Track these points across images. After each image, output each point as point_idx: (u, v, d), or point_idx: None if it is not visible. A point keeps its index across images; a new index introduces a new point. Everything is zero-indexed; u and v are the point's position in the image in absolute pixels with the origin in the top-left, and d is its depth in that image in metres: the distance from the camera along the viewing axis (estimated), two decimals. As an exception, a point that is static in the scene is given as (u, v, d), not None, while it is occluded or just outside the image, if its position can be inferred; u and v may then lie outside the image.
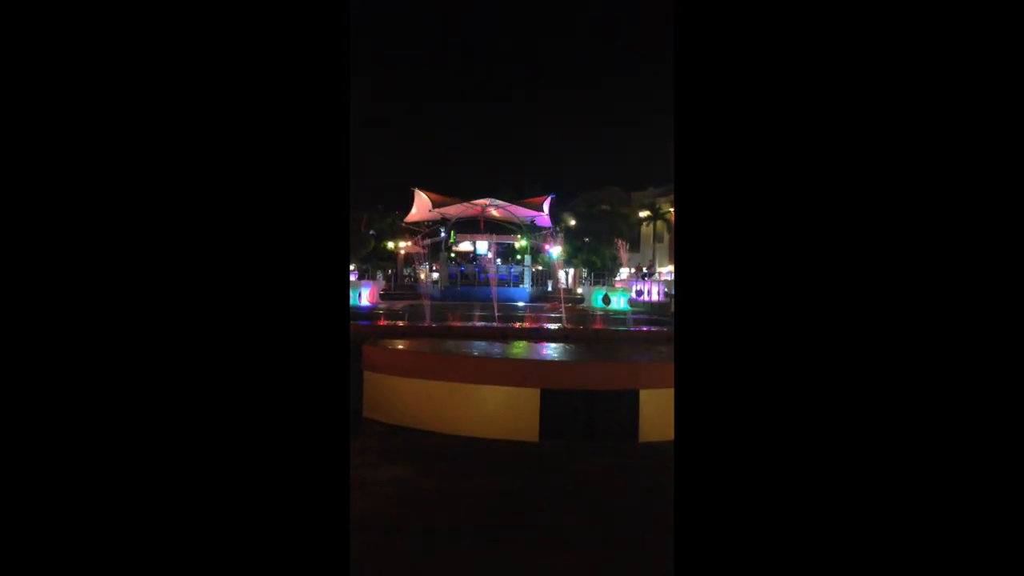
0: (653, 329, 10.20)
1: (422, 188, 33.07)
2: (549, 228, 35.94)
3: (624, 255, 34.04)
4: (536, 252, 34.33)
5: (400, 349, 6.74)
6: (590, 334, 9.16)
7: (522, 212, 34.07)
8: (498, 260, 32.99)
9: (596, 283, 28.63)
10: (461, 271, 29.13)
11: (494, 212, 34.03)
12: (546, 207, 35.45)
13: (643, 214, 44.03)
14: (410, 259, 33.11)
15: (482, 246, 34.53)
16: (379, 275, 29.51)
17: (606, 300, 20.28)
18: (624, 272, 34.40)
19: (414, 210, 35.06)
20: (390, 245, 36.49)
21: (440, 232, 34.77)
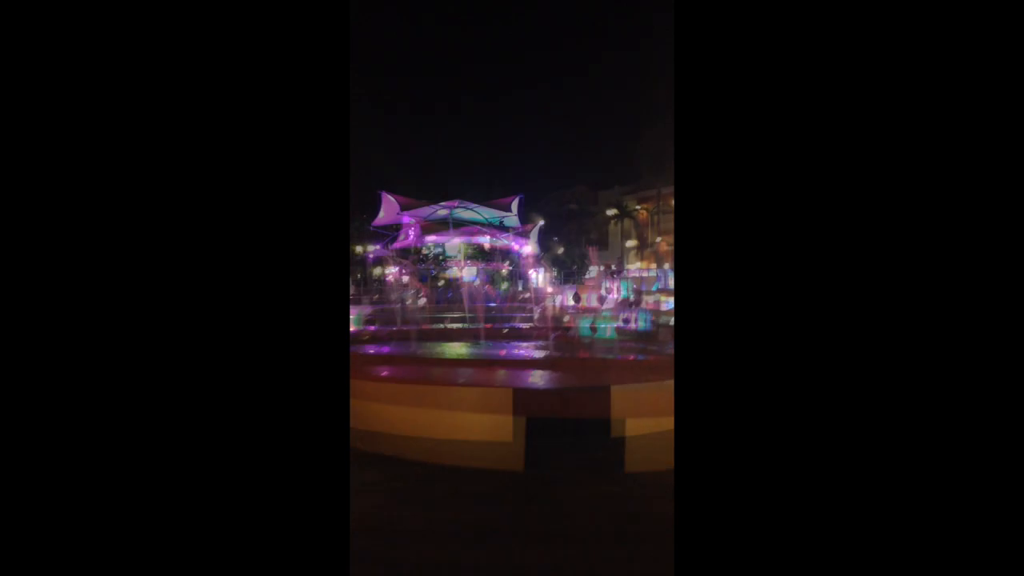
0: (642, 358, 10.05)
1: (389, 191, 32.77)
2: (518, 228, 35.99)
3: (594, 257, 34.32)
4: (505, 253, 34.38)
5: (382, 375, 6.61)
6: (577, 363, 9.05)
7: (490, 213, 34.06)
8: (487, 287, 32.35)
9: (567, 282, 28.78)
10: (448, 297, 28.50)
11: (462, 214, 33.94)
12: (514, 207, 35.52)
13: (611, 212, 44.41)
14: (380, 262, 32.66)
15: (452, 248, 34.38)
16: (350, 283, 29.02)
17: (593, 329, 20.27)
18: (593, 271, 34.69)
19: (382, 213, 34.75)
20: (358, 249, 36.07)
21: (409, 236, 34.43)
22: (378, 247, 34.76)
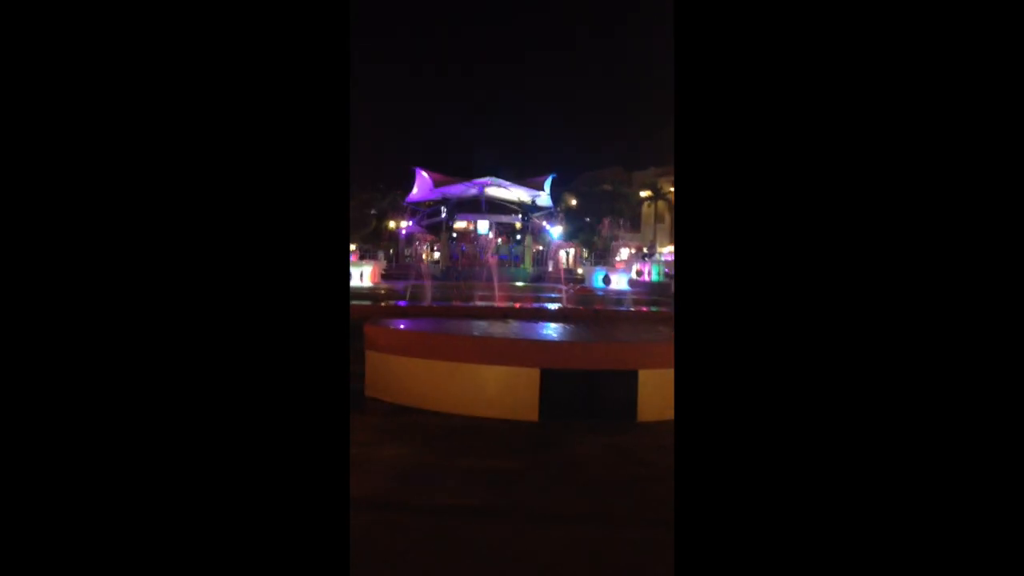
0: (653, 310, 10.24)
1: (423, 168, 32.92)
2: (549, 207, 35.85)
3: (616, 232, 33.84)
4: (536, 232, 34.28)
5: (401, 329, 6.77)
6: (591, 314, 9.19)
7: (523, 192, 33.94)
8: (499, 240, 33.03)
9: (597, 263, 28.59)
10: (462, 250, 29.12)
11: (495, 192, 33.94)
12: (547, 187, 35.34)
13: (644, 194, 43.84)
14: (412, 239, 33.10)
15: (483, 226, 34.48)
16: (380, 255, 29.48)
17: (607, 280, 20.34)
18: (624, 252, 34.35)
19: (415, 190, 34.99)
20: (391, 225, 36.44)
21: (441, 212, 34.72)
22: (411, 223, 35.05)
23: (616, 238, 36.39)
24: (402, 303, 10.83)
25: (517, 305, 10.09)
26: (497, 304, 10.52)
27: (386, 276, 22.60)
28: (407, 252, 32.90)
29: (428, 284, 14.42)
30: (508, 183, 34.38)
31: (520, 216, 34.62)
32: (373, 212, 36.10)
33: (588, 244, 37.98)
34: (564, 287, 16.59)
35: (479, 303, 11.08)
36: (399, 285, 16.87)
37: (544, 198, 35.49)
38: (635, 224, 44.12)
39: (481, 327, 7.11)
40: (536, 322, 8.29)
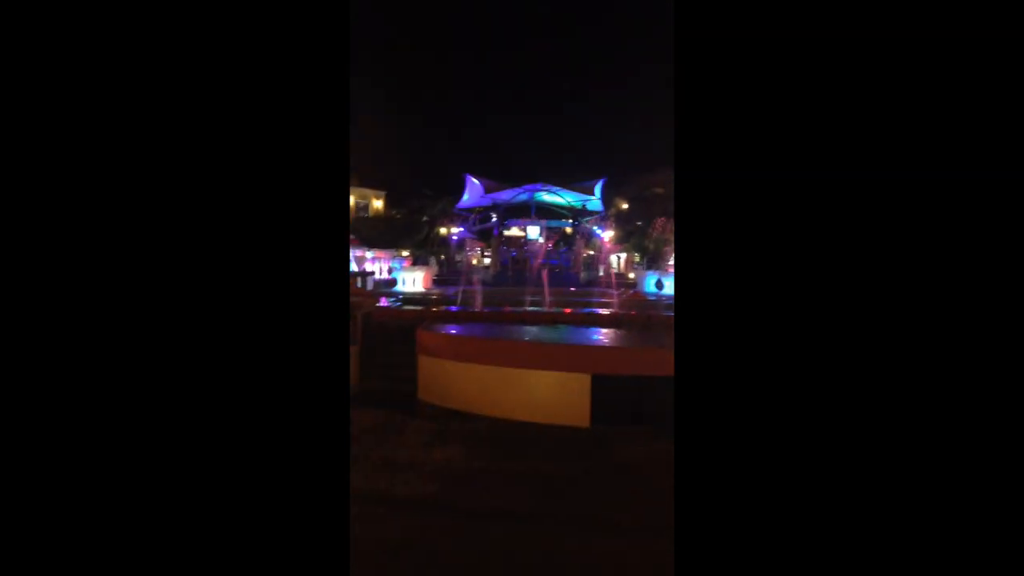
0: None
1: (474, 174, 33.28)
2: (600, 212, 35.60)
3: (668, 236, 33.27)
4: (587, 236, 34.11)
5: (452, 334, 6.87)
6: (642, 319, 9.09)
7: (573, 196, 33.84)
8: (549, 245, 33.05)
9: (649, 267, 28.19)
10: (513, 255, 29.28)
11: (545, 197, 33.97)
12: (598, 191, 35.12)
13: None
14: (463, 245, 33.51)
15: (533, 231, 34.57)
16: (431, 260, 29.93)
17: (659, 285, 20.02)
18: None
19: (466, 196, 35.37)
20: (443, 231, 36.95)
21: (492, 218, 35.00)
22: (462, 229, 35.46)
23: (668, 242, 35.82)
24: (453, 308, 10.97)
25: (568, 310, 10.07)
26: (547, 309, 10.52)
27: (438, 281, 22.95)
28: (458, 258, 33.30)
29: (479, 289, 14.55)
30: (558, 188, 34.33)
31: (571, 221, 34.53)
32: (425, 219, 36.70)
33: (640, 248, 37.49)
34: (615, 292, 16.45)
35: (530, 308, 11.11)
36: (450, 290, 17.11)
37: (595, 202, 35.28)
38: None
39: (532, 332, 7.12)
40: (587, 327, 8.25)
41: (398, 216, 37.43)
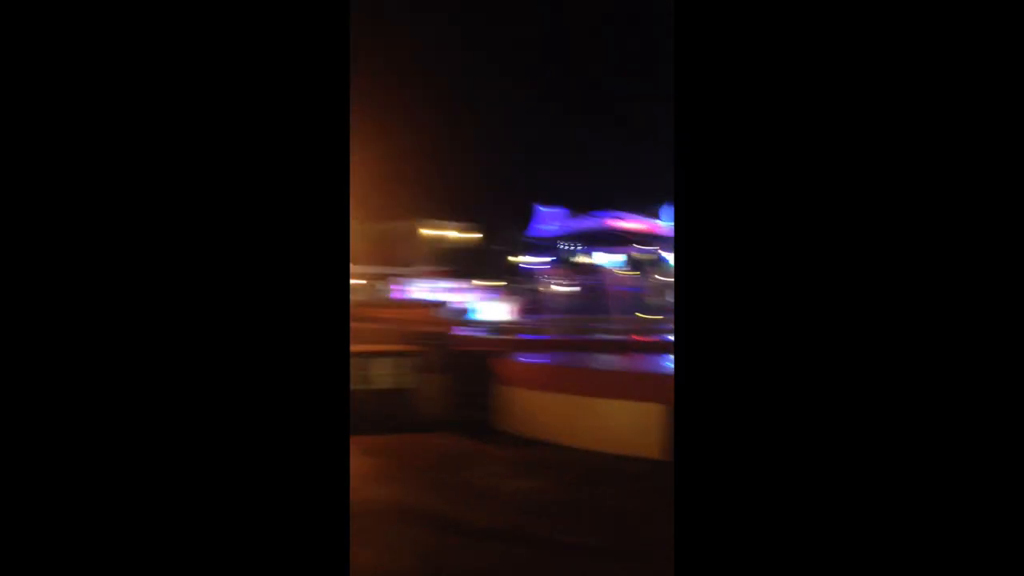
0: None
1: (544, 203, 33.58)
2: (671, 237, 34.93)
3: None
4: (660, 263, 33.60)
5: (529, 363, 6.99)
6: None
7: (644, 222, 33.51)
8: (622, 272, 32.76)
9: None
10: (587, 284, 29.20)
11: (617, 224, 33.85)
12: (665, 216, 34.55)
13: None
14: (537, 274, 33.71)
15: (606, 259, 34.42)
16: (520, 290, 30.11)
17: None
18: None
19: (537, 224, 35.70)
20: (511, 259, 37.27)
21: (566, 246, 35.13)
22: (538, 258, 35.70)
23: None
24: (531, 336, 11.09)
25: (644, 339, 10.00)
26: (624, 337, 10.47)
27: (524, 311, 23.28)
28: (534, 287, 33.47)
29: (555, 318, 14.63)
30: (630, 214, 34.12)
31: (644, 248, 34.15)
32: (501, 248, 37.19)
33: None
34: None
35: (606, 336, 11.09)
36: (529, 319, 17.29)
37: (666, 227, 34.77)
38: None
39: (608, 361, 7.15)
40: (663, 355, 8.18)
41: (490, 248, 38.02)
